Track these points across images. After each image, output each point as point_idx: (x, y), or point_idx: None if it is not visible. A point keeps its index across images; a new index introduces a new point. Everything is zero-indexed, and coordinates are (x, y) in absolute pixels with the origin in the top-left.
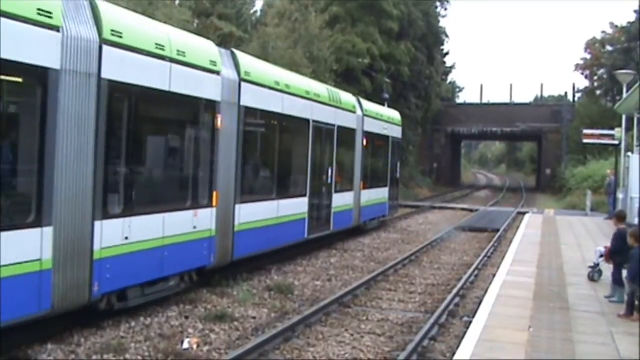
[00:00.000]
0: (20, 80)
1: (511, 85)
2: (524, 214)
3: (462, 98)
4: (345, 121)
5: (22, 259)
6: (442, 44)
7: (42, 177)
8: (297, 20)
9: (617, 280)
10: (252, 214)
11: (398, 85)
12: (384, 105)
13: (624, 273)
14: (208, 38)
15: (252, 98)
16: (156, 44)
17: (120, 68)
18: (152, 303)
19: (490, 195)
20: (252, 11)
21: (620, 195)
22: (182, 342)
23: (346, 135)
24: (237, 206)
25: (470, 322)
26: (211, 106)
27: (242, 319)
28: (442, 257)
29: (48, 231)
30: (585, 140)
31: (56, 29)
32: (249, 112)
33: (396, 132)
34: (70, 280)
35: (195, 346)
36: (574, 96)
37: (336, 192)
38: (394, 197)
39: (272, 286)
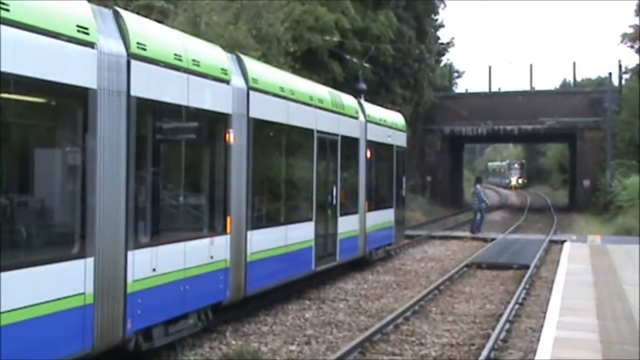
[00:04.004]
0: None
1: (531, 66)
2: (559, 242)
3: (462, 86)
4: (348, 129)
5: None
6: (436, 12)
7: None
8: None
9: None
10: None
11: (378, 70)
12: (360, 98)
13: None
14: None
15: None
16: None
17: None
18: None
19: (507, 217)
20: None
21: None
22: None
23: (349, 146)
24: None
25: None
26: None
27: None
28: (456, 305)
29: None
30: None
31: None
32: (257, 122)
33: (400, 139)
34: None
35: None
36: (620, 78)
37: (341, 215)
38: (400, 219)
39: (230, 355)
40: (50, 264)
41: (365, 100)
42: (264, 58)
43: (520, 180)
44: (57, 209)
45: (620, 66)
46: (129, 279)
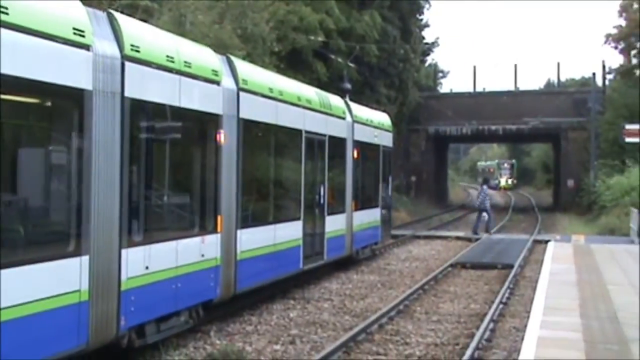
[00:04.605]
0: None
1: (515, 66)
2: (543, 242)
3: (447, 86)
4: (335, 130)
5: None
6: (421, 12)
7: None
8: None
9: None
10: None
11: (363, 70)
12: (344, 97)
13: None
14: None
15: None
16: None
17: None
18: None
19: (491, 217)
20: None
21: None
22: None
23: (337, 146)
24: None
25: None
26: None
27: None
28: (440, 305)
29: None
30: (627, 139)
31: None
32: (247, 123)
33: (387, 139)
34: None
35: None
36: (604, 78)
37: (328, 214)
38: (386, 219)
39: (214, 354)
40: (47, 262)
41: (350, 100)
42: (249, 58)
43: (510, 181)
44: (53, 208)
45: (604, 66)
46: (123, 277)
